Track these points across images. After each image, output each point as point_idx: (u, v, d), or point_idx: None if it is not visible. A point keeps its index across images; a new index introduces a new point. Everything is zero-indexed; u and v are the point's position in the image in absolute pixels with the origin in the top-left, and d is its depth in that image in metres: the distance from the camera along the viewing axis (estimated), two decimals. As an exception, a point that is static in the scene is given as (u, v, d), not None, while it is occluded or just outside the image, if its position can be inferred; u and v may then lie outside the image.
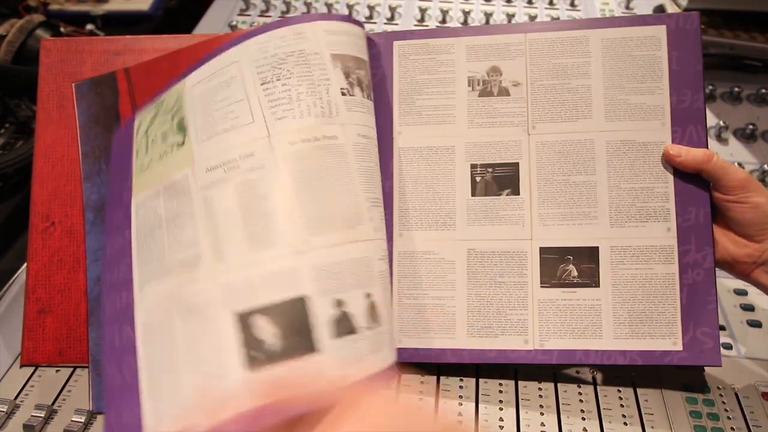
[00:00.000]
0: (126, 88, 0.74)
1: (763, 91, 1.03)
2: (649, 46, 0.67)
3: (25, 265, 0.74)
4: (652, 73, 0.67)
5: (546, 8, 1.22)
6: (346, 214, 0.58)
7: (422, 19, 1.19)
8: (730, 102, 1.04)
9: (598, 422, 0.64)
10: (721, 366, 0.65)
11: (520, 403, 0.66)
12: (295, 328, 0.53)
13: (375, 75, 0.71)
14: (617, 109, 0.67)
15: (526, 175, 0.68)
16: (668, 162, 0.66)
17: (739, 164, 0.93)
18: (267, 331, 0.53)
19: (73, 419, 0.64)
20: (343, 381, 0.53)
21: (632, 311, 0.65)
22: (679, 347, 0.64)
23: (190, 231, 0.58)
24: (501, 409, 0.65)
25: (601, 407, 0.65)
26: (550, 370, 0.69)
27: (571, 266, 0.66)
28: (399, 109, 0.70)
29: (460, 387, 0.68)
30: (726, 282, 0.79)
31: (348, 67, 0.63)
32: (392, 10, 1.20)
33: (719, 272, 0.67)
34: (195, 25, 1.22)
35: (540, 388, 0.67)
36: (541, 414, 0.65)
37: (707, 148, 0.65)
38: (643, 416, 0.64)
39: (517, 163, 0.68)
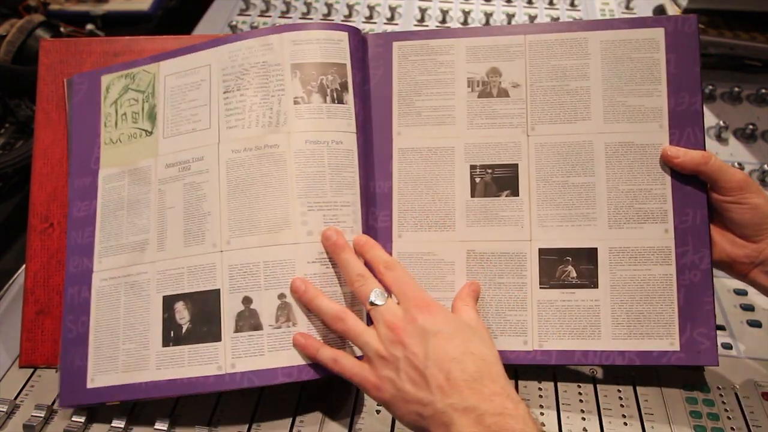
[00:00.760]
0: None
1: (763, 91, 1.03)
2: (647, 49, 0.67)
3: (24, 266, 0.74)
4: (650, 75, 0.67)
5: (546, 8, 1.22)
6: (271, 219, 0.64)
7: (422, 20, 1.19)
8: (730, 102, 1.04)
9: (598, 422, 0.64)
10: (718, 366, 0.65)
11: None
12: (207, 317, 0.64)
13: (374, 76, 0.71)
14: (616, 110, 0.67)
15: (526, 176, 0.68)
16: (666, 163, 0.66)
17: (739, 164, 0.93)
18: (184, 315, 0.64)
19: (73, 419, 0.64)
20: (233, 369, 0.62)
21: (630, 312, 0.65)
22: (677, 347, 0.64)
23: (144, 218, 0.68)
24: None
25: (601, 407, 0.66)
26: (550, 370, 0.69)
27: (569, 267, 0.66)
28: (398, 110, 0.70)
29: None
30: (726, 282, 0.79)
31: (310, 75, 0.66)
32: (392, 10, 1.20)
33: (719, 272, 0.67)
34: (195, 25, 1.22)
35: (540, 388, 0.67)
36: (541, 414, 0.65)
37: (705, 150, 0.65)
38: (643, 416, 0.65)
39: (517, 165, 0.68)
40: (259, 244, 0.64)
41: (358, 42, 0.69)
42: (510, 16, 1.19)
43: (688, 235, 0.65)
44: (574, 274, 0.66)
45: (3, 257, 0.86)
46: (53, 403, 0.67)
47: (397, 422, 0.64)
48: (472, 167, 0.68)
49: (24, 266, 0.74)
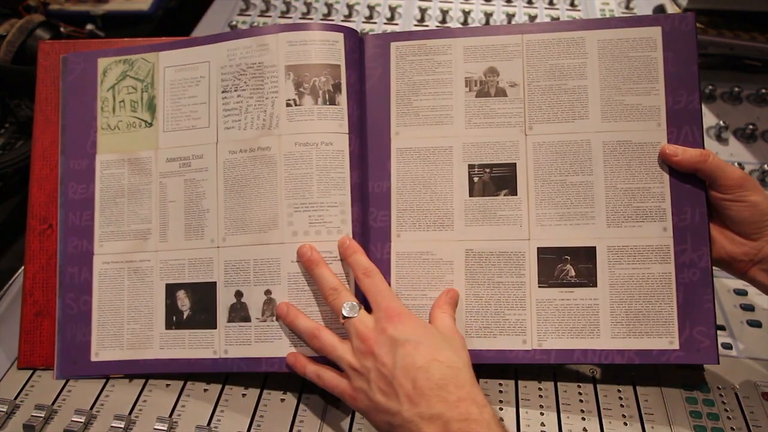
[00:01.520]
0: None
1: (763, 91, 1.03)
2: (644, 47, 0.67)
3: (23, 267, 0.74)
4: (647, 74, 0.67)
5: (546, 8, 1.22)
6: (260, 220, 0.68)
7: (422, 20, 1.19)
8: (730, 102, 1.03)
9: (598, 422, 0.64)
10: (718, 364, 0.65)
11: (520, 402, 0.66)
12: (204, 307, 0.69)
13: (372, 76, 0.71)
14: (613, 109, 0.67)
15: (524, 175, 0.68)
16: (665, 161, 0.66)
17: (739, 164, 0.92)
18: (185, 303, 0.69)
19: (73, 419, 0.64)
20: (226, 355, 0.67)
21: (629, 311, 0.65)
22: (676, 346, 0.64)
23: (146, 208, 0.71)
24: (501, 408, 0.65)
25: (601, 407, 0.65)
26: (550, 370, 0.69)
27: (568, 266, 0.66)
28: (396, 109, 0.70)
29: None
30: (726, 282, 0.79)
31: (303, 77, 0.67)
32: (392, 10, 1.20)
33: (719, 272, 0.67)
34: (195, 25, 1.22)
35: (540, 388, 0.67)
36: (541, 414, 0.65)
37: (703, 148, 0.65)
38: (643, 416, 0.64)
39: (515, 164, 0.68)
40: (250, 242, 0.68)
41: (354, 43, 0.70)
42: (510, 16, 1.19)
43: (687, 233, 0.65)
44: (572, 273, 0.66)
45: (2, 257, 0.86)
46: (53, 403, 0.67)
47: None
48: (471, 167, 0.68)
49: (23, 267, 0.74)
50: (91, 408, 0.66)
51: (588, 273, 0.66)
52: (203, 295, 0.69)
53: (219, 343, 0.68)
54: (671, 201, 0.66)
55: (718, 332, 0.68)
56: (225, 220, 0.69)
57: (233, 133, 0.69)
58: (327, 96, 0.68)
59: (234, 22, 1.20)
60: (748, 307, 0.77)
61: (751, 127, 0.97)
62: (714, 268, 0.66)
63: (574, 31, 0.69)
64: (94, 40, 0.81)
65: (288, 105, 0.67)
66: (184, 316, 0.69)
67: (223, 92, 0.70)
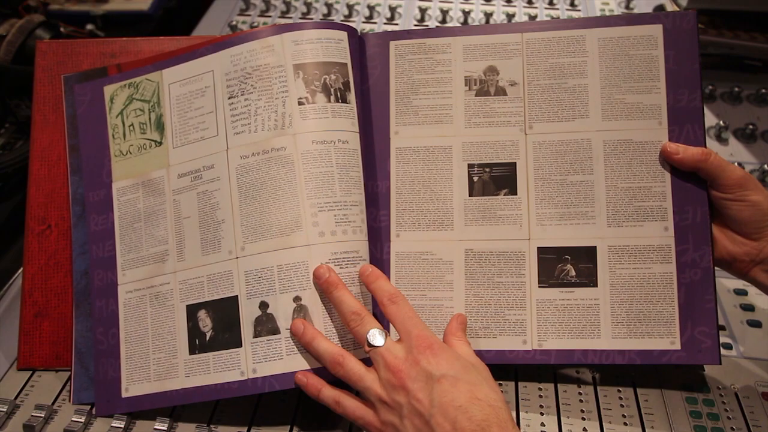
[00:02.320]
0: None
1: (763, 91, 1.03)
2: (645, 46, 0.67)
3: (22, 268, 0.73)
4: (648, 72, 0.67)
5: (546, 8, 1.22)
6: (282, 223, 0.64)
7: (422, 19, 1.19)
8: (730, 102, 1.03)
9: (598, 422, 0.64)
10: (720, 365, 0.64)
11: (520, 403, 0.66)
12: (227, 324, 0.65)
13: (371, 75, 0.71)
14: (614, 108, 0.67)
15: (524, 174, 0.67)
16: (666, 159, 0.65)
17: (739, 164, 0.92)
18: (207, 323, 0.65)
19: (73, 419, 0.64)
20: (254, 375, 0.63)
21: (630, 311, 0.65)
22: (678, 346, 0.64)
23: (162, 229, 0.69)
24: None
25: (601, 407, 0.65)
26: (550, 371, 0.69)
27: (568, 266, 0.66)
28: (396, 109, 0.70)
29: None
30: (726, 282, 0.79)
31: (313, 75, 0.66)
32: (392, 10, 1.20)
33: (719, 272, 0.67)
34: (195, 25, 1.22)
35: (540, 389, 0.67)
36: (541, 414, 0.65)
37: (705, 147, 0.65)
38: (643, 416, 0.64)
39: (515, 163, 0.68)
40: (272, 248, 0.64)
41: (356, 42, 0.69)
42: (510, 16, 1.19)
43: (688, 232, 0.65)
44: (573, 272, 0.66)
45: (2, 258, 0.86)
46: (53, 403, 0.67)
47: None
48: (470, 166, 0.68)
49: (22, 268, 0.74)
50: (91, 408, 0.66)
51: (588, 273, 0.66)
52: (225, 311, 0.65)
53: (246, 362, 0.63)
54: (672, 200, 0.65)
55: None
56: (242, 227, 0.65)
57: (243, 137, 0.66)
58: (339, 94, 0.66)
59: (234, 22, 1.20)
60: (748, 307, 0.77)
61: (751, 127, 0.97)
62: (714, 268, 0.65)
63: (574, 29, 0.68)
64: (93, 40, 0.80)
65: (300, 103, 0.65)
66: (207, 338, 0.65)
67: (229, 98, 0.68)
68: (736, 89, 1.03)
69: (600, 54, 0.68)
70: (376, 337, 0.58)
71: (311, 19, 1.21)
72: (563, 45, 0.68)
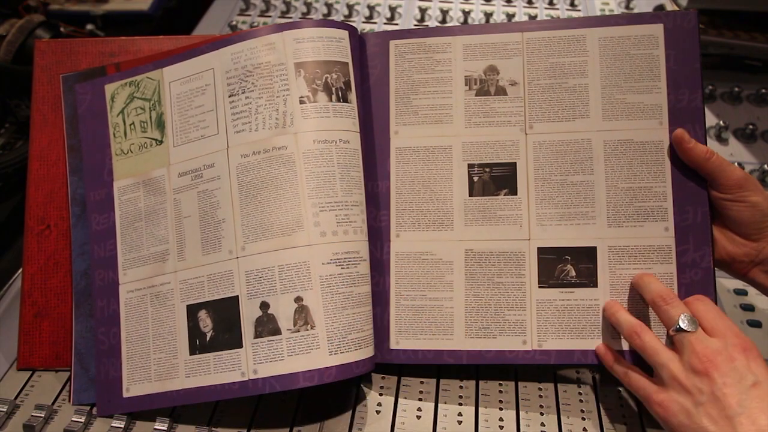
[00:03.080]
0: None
1: (763, 91, 1.03)
2: (646, 45, 0.67)
3: (22, 268, 0.73)
4: (649, 71, 0.67)
5: (546, 8, 1.22)
6: (283, 223, 0.64)
7: (422, 19, 1.19)
8: (730, 102, 1.03)
9: (598, 422, 0.64)
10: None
11: (520, 403, 0.66)
12: (227, 325, 0.64)
13: (371, 75, 0.71)
14: (615, 108, 0.67)
15: (524, 174, 0.67)
16: (676, 146, 0.65)
17: (739, 164, 0.92)
18: (207, 323, 0.65)
19: (73, 419, 0.64)
20: (255, 375, 0.62)
21: (630, 311, 0.65)
22: (678, 347, 0.64)
23: (162, 228, 0.69)
24: (501, 409, 0.65)
25: (601, 407, 0.65)
26: (550, 371, 0.69)
27: (569, 266, 0.66)
28: (395, 108, 0.70)
29: (460, 387, 0.68)
30: (726, 282, 0.79)
31: (314, 74, 0.65)
32: (392, 10, 1.20)
33: (719, 272, 0.67)
34: (195, 25, 1.22)
35: (540, 389, 0.67)
36: (541, 414, 0.65)
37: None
38: (643, 417, 0.64)
39: (515, 163, 0.68)
40: (272, 248, 0.64)
41: (357, 41, 0.69)
42: (510, 16, 1.19)
43: (689, 233, 0.65)
44: (573, 273, 0.66)
45: (1, 258, 0.86)
46: (53, 403, 0.67)
47: (396, 424, 0.64)
48: (470, 166, 0.68)
49: (21, 268, 0.74)
50: (91, 408, 0.66)
51: (588, 273, 0.66)
52: (225, 311, 0.65)
53: (246, 363, 0.63)
54: (673, 201, 0.65)
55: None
56: (242, 227, 0.65)
57: (244, 135, 0.66)
58: (340, 93, 0.66)
59: (234, 22, 1.19)
60: (748, 307, 0.77)
61: (751, 127, 0.97)
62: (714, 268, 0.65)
63: (574, 28, 0.68)
64: (92, 39, 0.80)
65: (302, 102, 0.65)
66: (207, 338, 0.65)
67: (230, 96, 0.67)
68: (736, 89, 1.03)
69: (600, 53, 0.68)
70: (686, 321, 0.58)
71: (311, 19, 1.21)
72: (564, 44, 0.68)
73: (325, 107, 0.65)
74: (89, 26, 1.19)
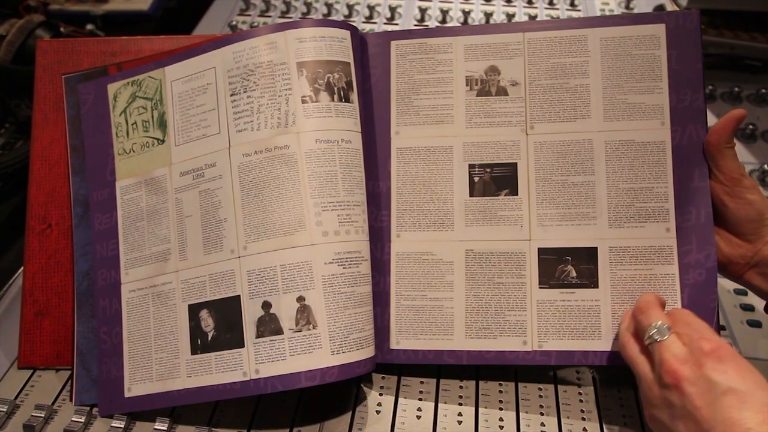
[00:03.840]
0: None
1: (763, 91, 1.03)
2: (648, 45, 0.67)
3: (23, 267, 0.74)
4: (651, 72, 0.67)
5: (546, 8, 1.22)
6: (285, 222, 0.63)
7: (422, 19, 1.19)
8: (730, 102, 1.04)
9: (598, 423, 0.64)
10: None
11: (520, 404, 0.66)
12: (229, 324, 0.64)
13: (372, 75, 0.71)
14: (616, 108, 0.67)
15: (525, 175, 0.67)
16: (726, 120, 0.63)
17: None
18: (209, 323, 0.65)
19: (73, 419, 0.64)
20: (257, 375, 0.62)
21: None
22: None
23: (164, 228, 0.68)
24: (501, 409, 0.65)
25: (601, 408, 0.65)
26: (551, 372, 0.69)
27: (569, 267, 0.66)
28: (396, 109, 0.70)
29: (460, 388, 0.68)
30: (726, 282, 0.78)
31: (316, 73, 0.65)
32: (392, 10, 1.20)
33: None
34: (195, 25, 1.22)
35: (540, 389, 0.67)
36: (541, 414, 0.65)
37: None
38: (643, 417, 0.64)
39: (516, 163, 0.68)
40: (274, 247, 0.64)
41: (358, 41, 0.69)
42: (510, 16, 1.19)
43: (691, 234, 0.65)
44: (573, 273, 0.66)
45: (2, 257, 0.86)
46: (53, 403, 0.67)
47: (396, 424, 0.64)
48: (471, 166, 0.68)
49: (23, 267, 0.74)
50: (91, 408, 0.66)
51: (589, 274, 0.66)
52: (227, 311, 0.64)
53: (248, 362, 0.63)
54: (675, 201, 0.65)
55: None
56: (244, 226, 0.65)
57: (246, 134, 0.66)
58: (342, 93, 0.66)
59: (234, 22, 1.19)
60: (748, 307, 0.77)
61: (751, 127, 0.97)
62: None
63: (576, 29, 0.68)
64: (94, 39, 0.80)
65: (303, 101, 0.65)
66: (209, 338, 0.64)
67: (232, 95, 0.67)
68: (736, 89, 1.04)
69: (602, 54, 0.67)
70: (656, 330, 0.56)
71: (312, 19, 1.21)
72: (565, 45, 0.68)
73: (327, 107, 0.65)
74: (89, 26, 1.19)
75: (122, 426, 0.63)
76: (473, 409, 0.65)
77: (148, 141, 0.70)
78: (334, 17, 1.20)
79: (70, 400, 0.67)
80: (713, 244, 0.64)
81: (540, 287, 0.66)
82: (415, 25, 1.18)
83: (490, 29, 0.70)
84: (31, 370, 0.71)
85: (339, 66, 0.67)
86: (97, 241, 0.70)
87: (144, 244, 0.69)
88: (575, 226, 0.66)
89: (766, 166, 0.91)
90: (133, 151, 0.71)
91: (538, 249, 0.67)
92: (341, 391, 0.67)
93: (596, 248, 0.66)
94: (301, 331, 0.62)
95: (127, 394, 0.66)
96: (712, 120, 0.98)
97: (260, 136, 0.65)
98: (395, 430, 0.64)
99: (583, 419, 0.64)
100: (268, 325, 0.63)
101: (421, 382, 0.68)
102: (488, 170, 0.68)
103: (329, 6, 1.21)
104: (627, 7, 1.22)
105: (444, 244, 0.68)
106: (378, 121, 0.70)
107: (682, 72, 0.66)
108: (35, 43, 0.93)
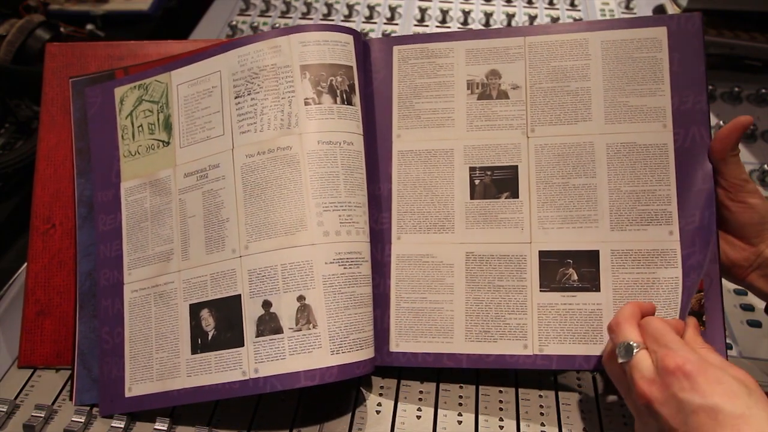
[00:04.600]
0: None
1: (763, 91, 1.03)
2: (649, 48, 0.67)
3: (25, 266, 0.74)
4: (652, 74, 0.67)
5: (546, 8, 1.22)
6: (286, 222, 0.64)
7: (422, 20, 1.19)
8: (730, 102, 1.04)
9: (598, 425, 0.64)
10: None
11: (520, 408, 0.66)
12: (229, 323, 0.64)
13: (374, 79, 0.71)
14: (617, 111, 0.67)
15: (525, 178, 0.67)
16: (734, 125, 0.64)
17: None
18: (209, 322, 0.65)
19: (73, 419, 0.64)
20: (256, 374, 0.62)
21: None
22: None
23: (167, 228, 0.69)
24: (501, 410, 0.65)
25: (602, 412, 0.65)
26: (551, 376, 0.69)
27: (570, 270, 0.66)
28: (398, 112, 0.70)
29: (460, 388, 0.68)
30: (726, 282, 0.78)
31: (319, 76, 0.66)
32: (392, 10, 1.20)
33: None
34: (195, 25, 1.22)
35: (540, 394, 0.67)
36: (541, 414, 0.65)
37: None
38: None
39: (516, 166, 0.68)
40: (276, 247, 0.64)
41: (361, 45, 0.70)
42: (510, 17, 1.19)
43: (695, 236, 0.64)
44: (575, 277, 0.66)
45: (3, 257, 0.86)
46: (53, 403, 0.67)
47: (396, 425, 0.64)
48: (472, 169, 0.68)
49: (24, 266, 0.74)
50: (91, 408, 0.66)
51: (591, 277, 0.66)
52: (227, 310, 0.65)
53: (248, 361, 0.63)
54: (678, 204, 0.65)
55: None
56: (246, 226, 0.65)
57: (249, 136, 0.67)
58: (344, 96, 0.67)
59: (234, 22, 1.19)
60: (748, 307, 0.77)
61: (751, 127, 0.97)
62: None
63: (577, 32, 0.68)
64: (101, 43, 0.81)
65: (306, 104, 0.65)
66: (209, 337, 0.65)
67: (236, 98, 0.68)
68: (736, 89, 1.04)
69: (603, 57, 0.67)
70: (624, 350, 0.54)
71: (311, 19, 1.21)
72: (566, 48, 0.68)
73: (329, 109, 0.66)
74: (89, 26, 1.19)
75: (122, 426, 0.64)
76: (473, 415, 0.65)
77: (154, 143, 0.71)
78: (334, 17, 1.20)
79: (71, 399, 0.68)
80: (716, 246, 0.64)
81: (541, 290, 0.66)
82: (415, 26, 1.18)
83: (491, 34, 0.70)
84: (32, 370, 0.71)
85: (342, 69, 0.67)
86: (101, 241, 0.71)
87: (147, 244, 0.69)
88: (576, 229, 0.66)
89: (766, 166, 0.92)
90: (139, 153, 0.71)
91: (539, 252, 0.66)
92: (341, 393, 0.67)
93: (598, 251, 0.66)
94: (300, 330, 0.62)
95: (127, 394, 0.66)
96: (712, 120, 0.98)
97: (263, 137, 0.66)
98: (395, 430, 0.64)
99: (584, 419, 0.64)
100: (268, 324, 0.63)
101: (420, 389, 0.68)
102: (489, 173, 0.68)
103: (329, 6, 1.21)
104: (627, 6, 1.22)
105: (444, 246, 0.68)
106: (380, 124, 0.70)
107: (684, 74, 0.66)
108: (35, 43, 0.93)
